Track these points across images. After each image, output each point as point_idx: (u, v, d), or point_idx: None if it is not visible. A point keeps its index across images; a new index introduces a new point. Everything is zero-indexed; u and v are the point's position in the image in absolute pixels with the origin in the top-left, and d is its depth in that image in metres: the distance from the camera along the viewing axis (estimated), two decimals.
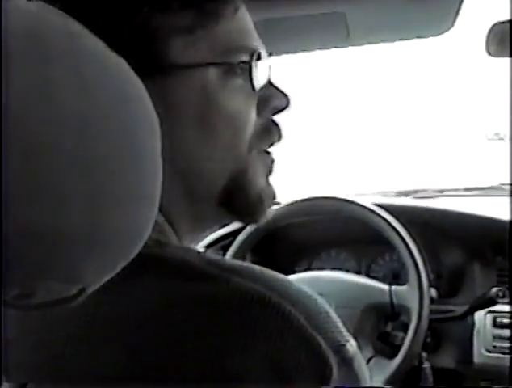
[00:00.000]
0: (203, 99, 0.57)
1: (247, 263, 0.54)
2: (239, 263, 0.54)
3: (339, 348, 0.51)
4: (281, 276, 0.53)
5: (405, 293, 1.45)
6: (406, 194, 1.99)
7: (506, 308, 1.45)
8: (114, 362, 0.47)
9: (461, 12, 1.26)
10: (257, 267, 0.53)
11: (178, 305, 0.48)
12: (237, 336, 0.46)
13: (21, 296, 0.37)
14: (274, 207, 1.67)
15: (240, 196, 0.61)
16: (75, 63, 0.36)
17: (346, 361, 0.51)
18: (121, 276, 0.43)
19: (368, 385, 0.54)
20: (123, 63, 0.40)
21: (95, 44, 0.39)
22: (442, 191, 1.99)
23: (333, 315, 0.52)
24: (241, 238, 1.65)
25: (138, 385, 0.46)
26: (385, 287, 1.50)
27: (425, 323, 1.38)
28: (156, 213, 0.42)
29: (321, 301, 0.53)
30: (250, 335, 0.46)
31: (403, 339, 1.42)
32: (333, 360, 0.49)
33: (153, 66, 0.54)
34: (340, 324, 0.53)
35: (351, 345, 0.52)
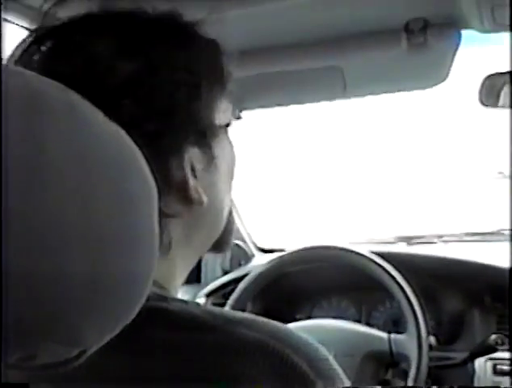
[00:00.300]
0: (232, 154, 0.66)
1: (249, 315, 0.56)
2: (241, 314, 0.56)
3: None
4: (283, 325, 0.55)
5: (404, 341, 1.45)
6: (405, 239, 1.99)
7: (506, 355, 1.45)
8: None
9: (454, 65, 1.29)
10: (259, 318, 0.55)
11: (185, 355, 0.50)
12: (243, 383, 0.49)
13: (23, 358, 0.38)
14: (276, 255, 1.69)
15: (228, 235, 0.69)
16: (74, 132, 0.38)
17: None
18: (128, 330, 0.44)
19: None
20: (121, 132, 0.42)
21: (94, 114, 0.41)
22: (440, 236, 2.00)
23: (333, 362, 0.54)
24: (242, 286, 1.66)
25: (139, 385, 0.48)
26: (384, 335, 1.50)
27: (424, 371, 1.38)
28: (153, 273, 0.43)
29: (321, 348, 0.55)
30: (255, 381, 0.49)
31: (403, 387, 1.42)
32: None
33: (206, 128, 0.60)
34: (340, 371, 0.54)
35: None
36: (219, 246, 0.68)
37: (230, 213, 0.68)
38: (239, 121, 0.68)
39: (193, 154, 0.58)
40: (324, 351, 0.55)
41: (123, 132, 0.42)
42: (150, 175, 0.43)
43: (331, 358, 0.55)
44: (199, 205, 0.59)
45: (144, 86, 0.54)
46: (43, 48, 0.56)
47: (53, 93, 0.39)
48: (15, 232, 0.34)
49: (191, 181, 0.57)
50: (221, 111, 0.62)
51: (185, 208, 0.58)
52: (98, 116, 0.41)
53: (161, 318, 0.52)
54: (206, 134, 0.60)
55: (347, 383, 0.55)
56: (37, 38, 0.57)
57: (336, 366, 0.54)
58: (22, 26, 0.99)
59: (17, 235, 0.34)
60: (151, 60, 0.55)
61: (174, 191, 0.57)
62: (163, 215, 0.55)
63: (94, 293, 0.38)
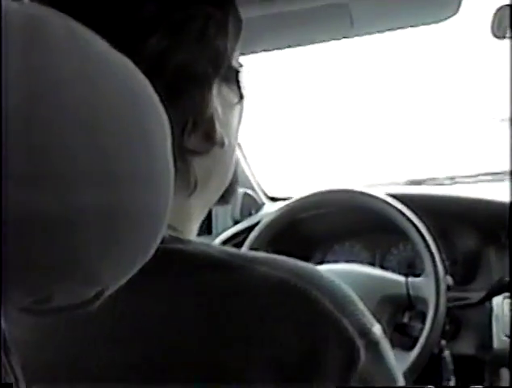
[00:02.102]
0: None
1: (268, 254, 0.56)
2: (261, 254, 0.56)
3: (366, 331, 0.52)
4: (304, 263, 0.55)
5: (422, 284, 1.44)
6: (417, 182, 1.98)
7: None
8: (139, 359, 0.48)
9: None
10: (279, 257, 0.55)
11: (206, 297, 0.50)
12: (267, 324, 0.48)
13: (38, 301, 0.36)
14: (287, 201, 1.68)
15: (234, 183, 0.70)
16: (78, 61, 0.36)
17: (373, 344, 0.52)
18: (145, 273, 0.43)
19: (394, 366, 0.54)
20: (129, 63, 0.40)
21: (100, 45, 0.39)
22: (453, 178, 1.98)
23: (358, 299, 0.54)
24: (254, 234, 1.65)
25: (141, 385, 0.47)
26: (401, 279, 1.49)
27: (442, 312, 1.38)
28: (169, 209, 0.42)
29: (345, 286, 0.54)
30: (279, 321, 0.48)
31: (421, 329, 1.41)
32: (361, 343, 0.50)
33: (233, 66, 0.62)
34: (365, 308, 0.54)
35: (377, 328, 0.53)
36: (226, 195, 0.69)
37: (235, 163, 0.69)
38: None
39: (222, 91, 0.59)
40: (347, 288, 0.54)
41: (131, 64, 0.40)
42: (163, 109, 0.41)
43: (355, 295, 0.54)
44: (220, 147, 0.59)
45: (173, 19, 0.54)
46: None
47: (54, 21, 0.37)
48: (25, 169, 0.32)
49: (217, 122, 0.58)
50: (236, 56, 0.63)
51: (208, 148, 0.59)
52: (104, 46, 0.39)
53: (178, 259, 0.52)
54: (235, 70, 0.61)
55: (372, 320, 0.54)
56: None
57: (360, 304, 0.54)
58: None
59: (27, 173, 0.32)
60: None
61: (201, 128, 0.57)
62: (188, 153, 0.57)
63: (110, 230, 0.36)
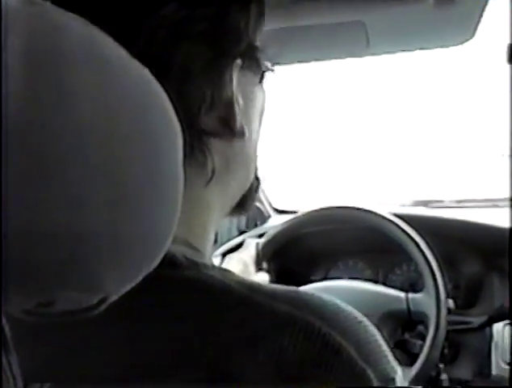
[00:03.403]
0: (264, 96, 0.64)
1: (289, 287, 0.52)
2: (280, 287, 0.52)
3: (388, 382, 0.49)
4: (328, 299, 0.51)
5: (422, 299, 1.44)
6: (423, 204, 1.98)
7: None
8: (139, 358, 0.47)
9: (482, 22, 1.26)
10: (301, 292, 0.51)
11: (222, 331, 0.46)
12: (287, 368, 0.45)
13: (41, 305, 0.36)
14: (293, 216, 1.68)
15: (253, 194, 0.67)
16: (96, 70, 0.36)
17: None
18: (160, 300, 0.44)
19: None
20: (145, 71, 0.40)
21: (118, 52, 0.39)
22: (459, 201, 1.98)
23: (382, 342, 0.51)
24: (260, 245, 1.66)
25: (141, 385, 0.46)
26: (402, 294, 1.50)
27: (442, 332, 1.37)
28: (177, 219, 0.42)
29: (371, 326, 0.51)
30: (301, 367, 0.45)
31: (421, 346, 1.41)
32: None
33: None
34: (388, 352, 0.51)
35: (399, 376, 0.51)
36: (244, 202, 0.66)
37: (256, 169, 0.66)
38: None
39: (243, 74, 0.56)
40: (372, 329, 0.51)
41: (148, 73, 0.40)
42: (176, 119, 0.41)
43: (379, 336, 0.51)
44: (239, 137, 0.56)
45: None
46: None
47: (74, 28, 0.37)
48: (33, 176, 0.32)
49: (236, 107, 0.55)
50: (259, 43, 0.59)
51: (226, 133, 0.55)
52: (122, 55, 0.39)
53: (194, 288, 0.49)
54: (256, 50, 0.58)
55: (395, 366, 0.51)
56: None
57: (385, 347, 0.51)
58: None
59: (35, 179, 0.32)
60: None
61: (219, 109, 0.54)
62: (204, 134, 0.54)
63: (116, 242, 0.36)
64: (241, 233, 1.94)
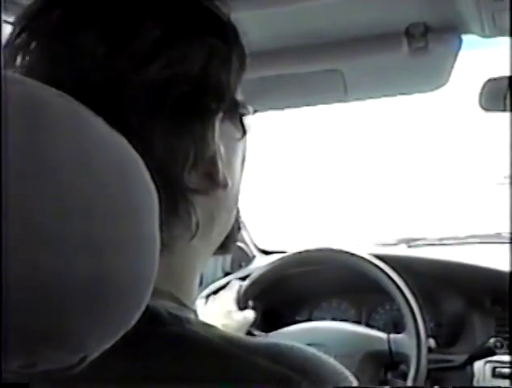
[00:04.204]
0: (245, 143, 0.64)
1: (272, 341, 0.52)
2: (263, 342, 0.52)
3: None
4: (309, 353, 0.51)
5: (403, 340, 1.46)
6: (407, 242, 2.00)
7: (505, 358, 1.45)
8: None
9: (455, 69, 1.30)
10: (282, 345, 0.51)
11: (202, 385, 0.46)
12: None
13: (24, 366, 0.37)
14: (277, 257, 1.70)
15: (235, 231, 0.66)
16: (76, 142, 0.38)
17: None
18: (137, 355, 0.44)
19: None
20: (124, 142, 0.42)
21: (99, 125, 0.41)
22: (441, 239, 2.00)
23: None
24: (242, 287, 1.67)
25: (141, 385, 0.46)
26: (383, 335, 1.51)
27: (423, 371, 1.39)
28: (154, 277, 0.43)
29: (352, 380, 0.50)
30: None
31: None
32: None
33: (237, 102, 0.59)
34: None
35: None
36: (227, 242, 0.65)
37: (237, 209, 0.66)
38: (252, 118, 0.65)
39: (225, 128, 0.56)
40: (354, 383, 0.50)
41: (125, 143, 0.42)
42: (152, 182, 0.42)
43: None
44: (223, 188, 0.56)
45: (175, 49, 0.51)
46: (56, 13, 0.52)
47: (56, 102, 0.39)
48: (16, 237, 0.34)
49: (219, 161, 0.55)
50: (240, 95, 0.60)
51: (210, 188, 0.55)
52: (101, 127, 0.41)
53: (174, 345, 0.49)
54: (238, 105, 0.58)
55: None
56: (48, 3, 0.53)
57: None
58: None
59: (17, 240, 0.34)
60: (182, 24, 0.53)
61: (203, 165, 0.54)
62: (189, 191, 0.53)
63: (95, 298, 0.38)
64: (226, 274, 1.95)
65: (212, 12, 0.56)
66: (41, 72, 0.50)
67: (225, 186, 0.56)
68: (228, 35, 0.57)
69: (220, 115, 0.55)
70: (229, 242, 0.66)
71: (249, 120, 0.62)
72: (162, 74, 0.50)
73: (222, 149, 0.55)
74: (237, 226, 0.66)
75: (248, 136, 0.63)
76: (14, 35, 0.53)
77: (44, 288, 0.35)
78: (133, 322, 0.41)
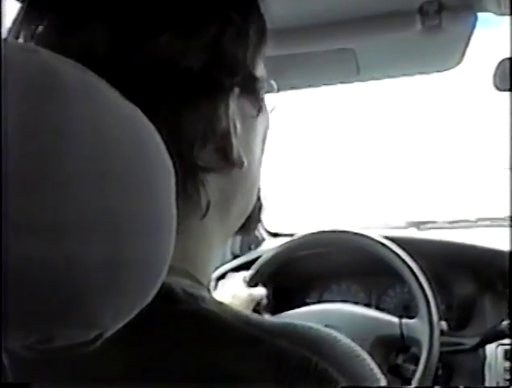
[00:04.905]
0: (268, 120, 0.63)
1: (286, 321, 0.51)
2: (279, 322, 0.51)
3: None
4: (326, 332, 0.50)
5: (415, 325, 1.45)
6: (417, 225, 1.99)
7: None
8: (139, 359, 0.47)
9: (469, 48, 1.28)
10: (298, 325, 0.50)
11: (219, 366, 0.45)
12: None
13: (40, 341, 0.37)
14: (285, 240, 1.69)
15: (258, 211, 0.65)
16: (91, 113, 0.38)
17: None
18: (152, 333, 0.44)
19: None
20: (137, 111, 0.41)
21: (111, 94, 0.40)
22: (452, 222, 1.99)
23: (379, 376, 0.50)
24: (254, 268, 1.67)
25: (138, 385, 0.46)
26: (395, 320, 1.50)
27: (435, 356, 1.38)
28: (171, 253, 0.42)
29: (368, 360, 0.50)
30: None
31: (414, 371, 1.42)
32: None
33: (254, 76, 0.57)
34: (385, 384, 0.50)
35: None
36: (248, 223, 0.64)
37: (259, 189, 0.64)
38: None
39: (241, 104, 0.54)
40: (370, 363, 0.50)
41: (140, 113, 0.41)
42: (168, 157, 0.42)
43: (377, 369, 0.50)
44: (238, 167, 0.54)
45: (187, 20, 0.50)
46: None
47: (70, 72, 0.38)
48: (30, 216, 0.34)
49: (233, 138, 0.53)
50: (261, 70, 0.58)
51: (223, 166, 0.54)
52: (115, 97, 0.40)
53: (189, 323, 0.48)
54: (255, 80, 0.56)
55: None
56: None
57: (382, 380, 0.50)
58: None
59: (32, 219, 0.34)
60: None
61: (214, 142, 0.52)
62: (199, 169, 0.52)
63: (110, 275, 0.37)
64: (236, 256, 1.95)
65: None
66: (50, 42, 0.49)
67: (241, 165, 0.54)
68: (245, 7, 0.55)
69: (236, 90, 0.53)
70: (251, 224, 0.65)
71: (272, 98, 0.60)
72: (173, 45, 0.49)
73: (239, 126, 0.54)
74: (258, 206, 0.65)
75: (270, 114, 0.62)
76: (24, 10, 0.53)
77: (59, 265, 0.35)
78: (148, 300, 0.41)
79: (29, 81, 0.35)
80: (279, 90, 0.65)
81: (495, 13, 1.17)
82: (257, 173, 0.61)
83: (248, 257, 1.88)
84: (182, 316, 0.48)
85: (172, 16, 0.50)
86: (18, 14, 0.53)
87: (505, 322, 1.43)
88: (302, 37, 1.23)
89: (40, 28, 0.51)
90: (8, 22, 0.54)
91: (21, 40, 0.51)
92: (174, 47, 0.49)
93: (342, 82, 1.44)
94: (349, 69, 1.33)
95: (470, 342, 1.50)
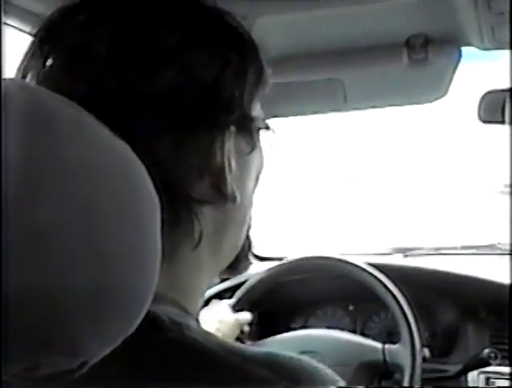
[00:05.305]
0: (261, 157, 0.63)
1: (269, 351, 0.52)
2: (261, 351, 0.51)
3: None
4: (306, 362, 0.51)
5: (398, 351, 1.46)
6: (402, 251, 2.00)
7: (499, 369, 1.46)
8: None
9: (454, 80, 1.31)
10: (280, 355, 0.51)
11: None
12: None
13: (28, 369, 0.38)
14: (273, 264, 1.70)
15: (245, 255, 0.66)
16: (83, 152, 0.39)
17: None
18: (136, 360, 0.45)
19: None
20: (127, 148, 0.43)
21: (102, 132, 0.42)
22: (438, 249, 2.00)
23: None
24: (239, 293, 1.67)
25: (138, 385, 0.47)
26: (378, 345, 1.51)
27: (417, 382, 1.39)
28: (155, 284, 0.43)
29: None
30: None
31: None
32: None
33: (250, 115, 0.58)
34: None
35: None
36: (236, 262, 0.65)
37: (249, 226, 0.65)
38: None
39: (236, 142, 0.55)
40: None
41: (129, 150, 0.43)
42: (154, 190, 0.43)
43: None
44: (231, 202, 0.55)
45: (188, 58, 0.52)
46: (80, 18, 0.52)
47: (61, 110, 0.40)
48: (17, 244, 0.35)
49: (228, 173, 0.54)
50: (257, 110, 0.59)
51: (217, 200, 0.55)
52: (106, 135, 0.42)
53: (172, 351, 0.48)
54: (250, 120, 0.57)
55: None
56: (72, 8, 0.54)
57: None
58: (23, 30, 0.99)
59: (18, 248, 0.35)
60: (199, 33, 0.54)
61: (209, 176, 0.53)
62: (193, 201, 0.53)
63: (96, 304, 0.38)
64: (223, 280, 1.95)
65: (230, 25, 0.57)
66: (55, 82, 0.50)
67: (234, 199, 0.56)
68: (245, 49, 0.57)
69: (232, 128, 0.55)
70: (240, 262, 0.66)
71: (268, 136, 0.61)
72: (174, 82, 0.50)
73: (233, 163, 0.55)
74: (247, 244, 0.66)
75: (265, 151, 0.63)
76: (34, 47, 0.54)
77: (46, 294, 0.36)
78: (133, 328, 0.42)
79: (22, 120, 0.37)
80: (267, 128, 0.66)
81: (478, 47, 1.20)
82: (248, 208, 0.62)
83: (235, 281, 1.88)
84: (166, 343, 0.48)
85: (176, 53, 0.51)
86: (29, 49, 0.54)
87: (487, 350, 1.44)
88: (291, 67, 1.25)
89: (48, 64, 0.52)
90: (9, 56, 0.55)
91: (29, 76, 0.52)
92: (175, 83, 0.50)
93: (329, 111, 1.46)
94: (336, 98, 1.35)
95: (453, 369, 1.51)
